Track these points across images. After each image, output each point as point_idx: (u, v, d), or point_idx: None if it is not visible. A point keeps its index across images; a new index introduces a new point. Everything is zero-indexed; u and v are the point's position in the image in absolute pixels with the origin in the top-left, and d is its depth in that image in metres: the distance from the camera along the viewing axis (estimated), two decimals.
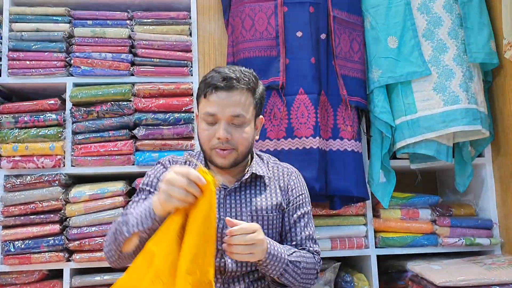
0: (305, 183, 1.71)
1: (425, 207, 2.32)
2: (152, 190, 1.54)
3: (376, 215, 2.31)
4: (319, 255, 1.62)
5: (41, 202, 2.15)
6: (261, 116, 1.61)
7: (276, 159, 1.73)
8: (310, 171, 2.09)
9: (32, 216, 2.14)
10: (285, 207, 1.61)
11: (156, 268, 1.21)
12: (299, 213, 1.63)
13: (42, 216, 2.15)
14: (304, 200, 1.66)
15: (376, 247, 2.28)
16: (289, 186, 1.64)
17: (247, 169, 1.58)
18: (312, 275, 1.55)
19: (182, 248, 1.21)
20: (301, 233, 1.61)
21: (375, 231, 2.29)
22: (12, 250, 2.11)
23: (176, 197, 1.22)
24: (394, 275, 2.40)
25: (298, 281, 1.49)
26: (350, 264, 2.40)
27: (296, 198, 1.64)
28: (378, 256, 2.29)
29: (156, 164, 1.65)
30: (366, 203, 2.29)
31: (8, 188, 2.15)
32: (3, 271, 2.14)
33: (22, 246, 2.12)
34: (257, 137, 1.61)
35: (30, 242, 2.12)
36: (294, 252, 1.51)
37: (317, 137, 2.10)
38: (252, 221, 1.53)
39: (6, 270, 2.14)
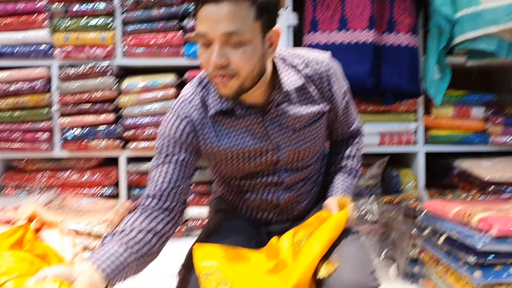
0: (341, 72, 1.50)
1: (478, 105, 2.26)
2: (169, 153, 1.33)
3: (427, 112, 2.27)
4: (362, 133, 1.61)
5: (95, 91, 2.20)
6: (276, 28, 1.29)
7: (301, 54, 1.43)
8: (363, 66, 2.05)
9: (87, 105, 2.21)
10: (331, 107, 1.47)
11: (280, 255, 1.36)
12: (343, 103, 1.50)
13: (96, 105, 2.21)
14: (345, 90, 1.50)
15: (425, 144, 2.27)
16: (328, 87, 1.45)
17: (276, 86, 1.37)
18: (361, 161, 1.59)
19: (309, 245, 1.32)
20: (349, 117, 1.54)
21: (426, 128, 2.27)
22: (70, 137, 2.21)
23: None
24: (440, 173, 2.41)
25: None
26: (397, 161, 2.42)
27: (338, 93, 1.48)
28: (425, 154, 2.29)
29: (169, 116, 1.36)
30: (418, 100, 2.25)
31: (63, 77, 2.20)
32: (62, 156, 2.26)
33: (79, 133, 2.21)
34: (274, 54, 1.34)
35: (86, 130, 2.21)
36: (356, 171, 1.55)
37: (372, 30, 2.02)
38: (299, 138, 1.41)
39: (65, 156, 2.25)
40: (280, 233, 1.53)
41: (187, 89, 1.40)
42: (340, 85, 1.50)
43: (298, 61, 1.41)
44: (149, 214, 1.29)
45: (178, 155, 1.34)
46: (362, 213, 2.07)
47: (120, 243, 1.22)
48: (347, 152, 1.59)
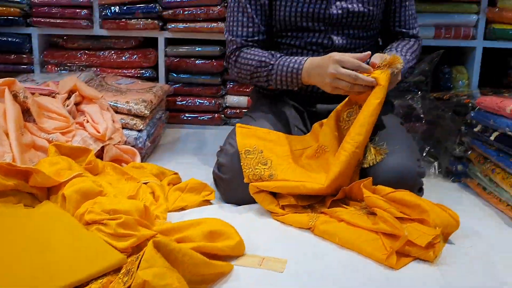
0: None
1: None
2: None
3: (492, 3, 2.07)
4: (419, 39, 1.60)
5: None
6: None
7: None
8: None
9: None
10: None
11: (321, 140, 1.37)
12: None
13: None
14: None
15: (484, 39, 2.09)
16: None
17: None
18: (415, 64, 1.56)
19: (350, 133, 1.29)
20: (406, 12, 1.57)
21: (487, 22, 2.08)
22: (109, 14, 2.14)
23: (341, 89, 1.29)
24: (497, 72, 2.25)
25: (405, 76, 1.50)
26: (451, 56, 2.26)
27: None
28: (484, 51, 2.12)
29: None
30: None
31: None
32: (102, 34, 2.21)
33: (118, 11, 2.14)
34: None
35: (125, 7, 2.14)
36: (410, 56, 1.50)
37: None
38: (351, 1, 1.45)
39: (105, 34, 2.20)
40: (325, 115, 1.49)
41: None
42: None
43: None
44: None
45: None
46: (408, 110, 1.98)
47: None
48: (402, 43, 1.56)
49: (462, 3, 2.07)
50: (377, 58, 1.31)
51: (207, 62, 2.18)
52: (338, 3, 1.46)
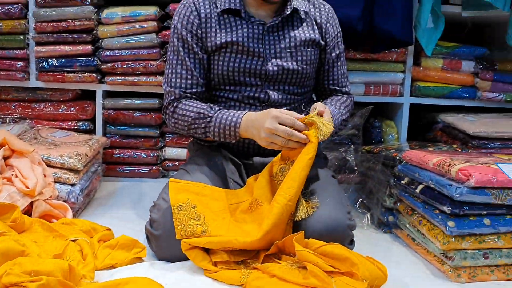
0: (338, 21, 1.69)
1: (469, 59, 2.21)
2: (185, 45, 1.53)
3: (416, 63, 2.22)
4: (351, 96, 1.71)
5: (73, 20, 2.09)
6: None
7: None
8: (354, 9, 1.97)
9: (64, 35, 2.11)
10: (323, 44, 1.63)
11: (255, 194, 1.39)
12: (337, 51, 1.68)
13: (74, 35, 2.11)
14: (340, 39, 1.69)
15: (411, 96, 2.23)
16: (327, 24, 1.64)
17: (288, 4, 1.55)
18: (348, 118, 1.66)
19: (283, 186, 1.32)
20: (338, 72, 1.68)
21: (413, 80, 2.22)
22: (46, 66, 2.12)
23: (276, 144, 1.35)
24: (423, 127, 2.38)
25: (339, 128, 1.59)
26: (381, 111, 2.38)
27: (334, 37, 1.67)
28: (411, 106, 2.25)
29: (179, 6, 1.57)
30: (408, 49, 2.18)
31: (40, 3, 2.08)
32: (38, 87, 2.17)
33: (56, 63, 2.12)
34: None
35: (63, 60, 2.12)
36: (340, 108, 1.60)
37: None
38: (290, 57, 1.55)
39: (41, 86, 2.17)
40: (261, 168, 1.52)
41: None
42: (337, 32, 1.68)
43: None
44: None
45: (190, 49, 1.52)
46: (341, 162, 2.05)
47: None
48: (336, 98, 1.66)
49: (389, 63, 2.20)
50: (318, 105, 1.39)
51: (145, 114, 2.18)
52: (273, 60, 1.53)
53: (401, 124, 2.24)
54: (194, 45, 1.52)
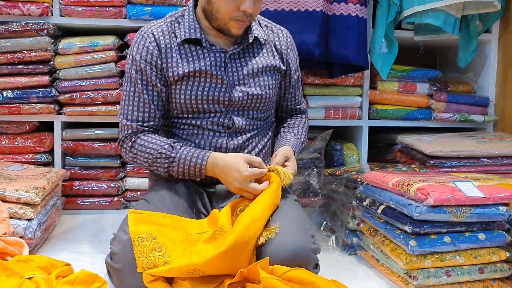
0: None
1: (423, 81, 2.29)
2: (143, 77, 1.52)
3: (373, 86, 2.28)
4: (307, 113, 1.84)
5: (29, 51, 2.06)
6: None
7: (266, 19, 1.71)
8: (311, 35, 2.01)
9: (20, 66, 2.07)
10: (284, 69, 1.66)
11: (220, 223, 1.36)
12: (298, 74, 1.74)
13: (30, 66, 2.07)
14: (298, 63, 1.76)
15: (369, 119, 2.28)
16: (288, 50, 1.67)
17: (248, 33, 1.58)
18: (306, 139, 1.77)
19: (247, 210, 1.35)
20: (298, 92, 1.76)
21: (370, 103, 2.28)
22: (1, 99, 2.06)
23: (246, 196, 1.43)
24: (383, 148, 2.43)
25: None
26: (342, 134, 2.42)
27: (295, 60, 1.72)
28: (370, 129, 2.29)
29: (137, 37, 1.55)
30: (364, 74, 2.24)
31: None
32: None
33: (11, 95, 2.07)
34: None
35: (19, 92, 2.07)
36: (301, 136, 1.70)
37: None
38: (253, 83, 1.57)
39: None
40: (224, 196, 1.51)
41: (154, 21, 1.59)
42: (296, 56, 1.74)
43: (265, 22, 1.68)
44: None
45: (149, 81, 1.50)
46: (305, 185, 2.06)
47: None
48: (296, 122, 1.75)
49: (347, 87, 2.25)
50: (280, 158, 1.50)
51: (105, 144, 2.14)
52: (237, 87, 1.54)
53: (361, 146, 2.28)
54: (153, 77, 1.51)
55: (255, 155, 1.57)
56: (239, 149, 1.56)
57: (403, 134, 2.23)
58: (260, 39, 1.60)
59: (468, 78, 2.43)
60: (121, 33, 2.15)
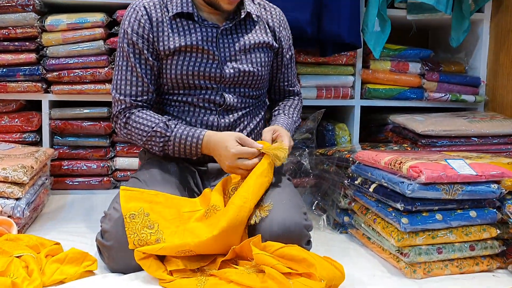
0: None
1: (415, 61, 2.28)
2: (136, 51, 1.50)
3: (365, 65, 2.26)
4: (301, 95, 1.78)
5: (14, 28, 2.01)
6: None
7: None
8: (304, 13, 1.98)
9: (5, 43, 2.03)
10: (277, 47, 1.64)
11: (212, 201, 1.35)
12: (290, 53, 1.71)
13: (16, 43, 2.03)
14: (291, 42, 1.73)
15: (361, 98, 2.27)
16: (280, 28, 1.65)
17: (241, 9, 1.56)
18: (300, 121, 1.73)
19: (239, 191, 1.32)
20: (291, 73, 1.73)
21: (363, 82, 2.26)
22: None
23: (238, 174, 1.39)
24: (375, 128, 2.43)
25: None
26: (333, 115, 2.41)
27: (288, 39, 1.70)
28: (362, 109, 2.28)
29: (128, 10, 1.52)
30: (357, 53, 2.22)
31: None
32: None
33: None
34: None
35: (5, 70, 2.03)
36: (293, 115, 1.66)
37: None
38: (245, 60, 1.55)
39: None
40: (216, 174, 1.50)
41: None
42: (289, 35, 1.70)
43: (258, 0, 1.65)
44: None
45: (141, 55, 1.48)
46: (297, 166, 2.06)
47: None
48: (287, 103, 1.72)
49: (339, 66, 2.23)
50: (267, 134, 1.43)
51: (94, 123, 2.11)
52: (229, 63, 1.52)
53: (353, 126, 2.27)
54: (145, 51, 1.49)
55: (247, 135, 1.55)
56: (230, 127, 1.54)
57: (395, 114, 2.23)
58: (253, 16, 1.57)
59: (460, 58, 2.42)
60: (110, 10, 2.10)
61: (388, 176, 1.48)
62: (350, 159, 1.78)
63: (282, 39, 1.65)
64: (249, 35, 1.56)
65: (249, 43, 1.55)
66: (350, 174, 1.73)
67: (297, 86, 1.77)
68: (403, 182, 1.39)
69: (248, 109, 1.59)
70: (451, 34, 2.27)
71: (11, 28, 2.01)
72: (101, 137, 2.14)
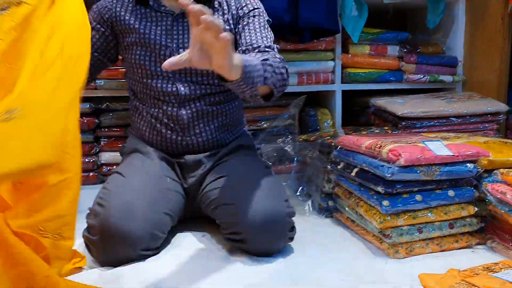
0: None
1: (393, 44, 2.30)
2: (95, 20, 1.54)
3: (344, 50, 2.28)
4: (275, 48, 1.51)
5: None
6: None
7: None
8: (281, 0, 1.99)
9: None
10: (235, 34, 1.55)
11: None
12: (254, 13, 1.54)
13: None
14: (260, 13, 1.55)
15: (342, 83, 2.29)
16: (239, 11, 1.56)
17: None
18: (284, 80, 1.39)
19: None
20: (258, 29, 1.51)
21: (343, 67, 2.29)
22: None
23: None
24: (357, 111, 2.46)
25: (276, 86, 1.36)
26: (315, 100, 2.43)
27: (247, 9, 1.55)
28: (343, 93, 2.31)
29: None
30: (336, 38, 2.24)
31: None
32: None
33: None
34: None
35: None
36: (265, 57, 1.36)
37: None
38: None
39: None
40: (194, 168, 1.51)
41: None
42: (252, 7, 1.55)
43: None
44: None
45: (98, 26, 1.53)
46: (280, 152, 2.08)
47: None
48: (261, 54, 1.42)
49: (319, 52, 2.25)
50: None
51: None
52: (181, 50, 1.50)
53: (335, 110, 2.30)
54: (102, 28, 1.55)
55: (216, 130, 1.57)
56: (193, 121, 1.54)
57: (376, 97, 2.26)
58: (214, 2, 1.54)
59: (437, 39, 2.45)
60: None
61: (369, 160, 1.51)
62: (332, 144, 1.81)
63: (242, 13, 1.54)
64: None
65: None
66: (333, 159, 1.76)
67: (266, 41, 1.48)
68: (383, 166, 1.43)
69: (207, 94, 1.55)
70: (427, 17, 2.30)
71: None
72: (84, 132, 2.14)
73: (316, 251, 1.44)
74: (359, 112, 2.45)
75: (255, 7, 1.56)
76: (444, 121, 2.03)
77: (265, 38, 1.48)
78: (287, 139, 2.08)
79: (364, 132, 1.98)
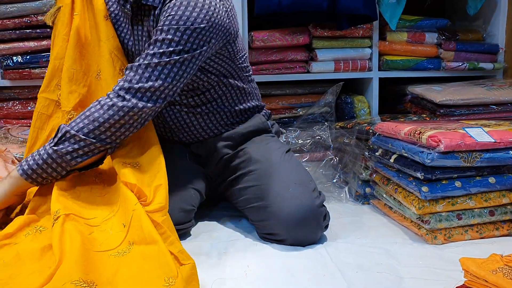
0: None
1: (432, 31, 2.27)
2: None
3: (382, 37, 2.26)
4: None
5: (35, 15, 2.06)
6: None
7: None
8: None
9: (28, 30, 2.07)
10: None
11: None
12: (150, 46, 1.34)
13: (38, 30, 2.07)
14: (164, 45, 1.31)
15: (379, 70, 2.28)
16: (154, 31, 1.37)
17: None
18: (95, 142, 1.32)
19: None
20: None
21: (380, 54, 2.27)
22: (11, 64, 2.08)
23: None
24: (393, 100, 2.44)
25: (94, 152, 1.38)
26: (352, 87, 2.42)
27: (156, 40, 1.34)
28: (380, 81, 2.29)
29: None
30: (373, 25, 2.22)
31: None
32: (4, 85, 2.13)
33: (21, 60, 2.08)
34: None
35: (28, 57, 2.08)
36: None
37: None
38: None
39: (7, 85, 2.13)
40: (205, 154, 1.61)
41: None
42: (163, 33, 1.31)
43: None
44: None
45: None
46: (316, 140, 2.09)
47: None
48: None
49: (356, 39, 2.24)
50: None
51: None
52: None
53: (372, 98, 2.29)
54: None
55: (206, 125, 1.58)
56: (182, 121, 1.56)
57: (413, 85, 2.23)
58: (155, 5, 1.40)
59: (478, 25, 2.40)
60: None
61: (408, 146, 1.51)
62: (370, 131, 1.81)
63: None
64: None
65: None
66: (371, 146, 1.76)
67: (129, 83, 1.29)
68: (422, 152, 1.42)
69: (194, 101, 1.53)
70: (468, 2, 2.26)
71: (32, 15, 2.05)
72: None
73: (354, 237, 1.46)
74: (396, 100, 2.43)
75: (166, 37, 1.28)
76: (484, 109, 1.99)
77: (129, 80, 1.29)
78: (323, 126, 2.08)
79: (402, 119, 1.97)
